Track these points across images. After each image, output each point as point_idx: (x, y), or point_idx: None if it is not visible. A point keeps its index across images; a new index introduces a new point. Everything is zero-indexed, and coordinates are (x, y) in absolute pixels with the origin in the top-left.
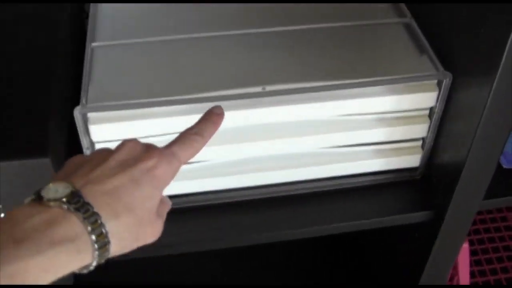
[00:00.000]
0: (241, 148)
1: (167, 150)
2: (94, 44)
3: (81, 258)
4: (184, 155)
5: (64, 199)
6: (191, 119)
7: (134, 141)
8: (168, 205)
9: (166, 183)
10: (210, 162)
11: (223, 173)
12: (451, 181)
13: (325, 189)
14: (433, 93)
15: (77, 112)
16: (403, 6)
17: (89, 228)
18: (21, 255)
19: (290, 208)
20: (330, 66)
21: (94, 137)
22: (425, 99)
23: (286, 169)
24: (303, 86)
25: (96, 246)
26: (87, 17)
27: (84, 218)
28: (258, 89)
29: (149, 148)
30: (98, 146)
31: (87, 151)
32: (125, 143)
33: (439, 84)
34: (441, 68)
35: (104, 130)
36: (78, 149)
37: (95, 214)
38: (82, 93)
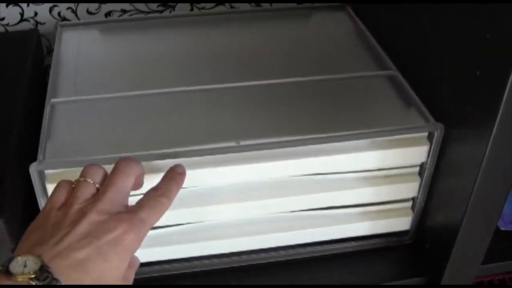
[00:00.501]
0: (208, 211)
1: (135, 218)
2: (54, 100)
3: None
4: (152, 220)
5: (33, 276)
6: (155, 178)
7: (113, 190)
8: (136, 266)
9: (134, 251)
10: (173, 228)
11: (184, 240)
12: (445, 245)
13: (304, 256)
14: (423, 147)
15: (33, 169)
16: (386, 58)
17: None
18: None
19: (265, 278)
20: (310, 120)
21: None
22: (415, 154)
23: (260, 234)
24: (280, 140)
25: None
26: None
27: None
28: (231, 143)
29: (118, 214)
30: None
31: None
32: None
33: (430, 137)
34: (431, 120)
35: None
36: (36, 210)
37: None
38: (40, 150)
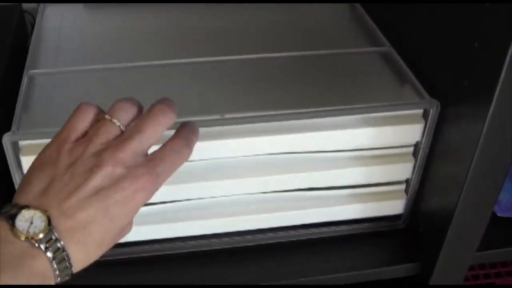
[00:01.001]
0: (200, 189)
1: (153, 174)
2: (32, 71)
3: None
4: (169, 174)
5: (38, 237)
6: None
7: (139, 138)
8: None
9: (139, 209)
10: (165, 205)
11: (177, 219)
12: (439, 230)
13: (292, 239)
14: (418, 125)
15: (6, 139)
16: (380, 35)
17: (55, 266)
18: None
19: (251, 261)
20: (300, 95)
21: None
22: (409, 132)
23: (248, 215)
24: (267, 113)
25: (58, 278)
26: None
27: (53, 259)
28: (216, 116)
29: (136, 167)
30: None
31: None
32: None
33: (425, 114)
34: (427, 96)
35: None
36: (10, 186)
37: (65, 254)
38: (14, 120)
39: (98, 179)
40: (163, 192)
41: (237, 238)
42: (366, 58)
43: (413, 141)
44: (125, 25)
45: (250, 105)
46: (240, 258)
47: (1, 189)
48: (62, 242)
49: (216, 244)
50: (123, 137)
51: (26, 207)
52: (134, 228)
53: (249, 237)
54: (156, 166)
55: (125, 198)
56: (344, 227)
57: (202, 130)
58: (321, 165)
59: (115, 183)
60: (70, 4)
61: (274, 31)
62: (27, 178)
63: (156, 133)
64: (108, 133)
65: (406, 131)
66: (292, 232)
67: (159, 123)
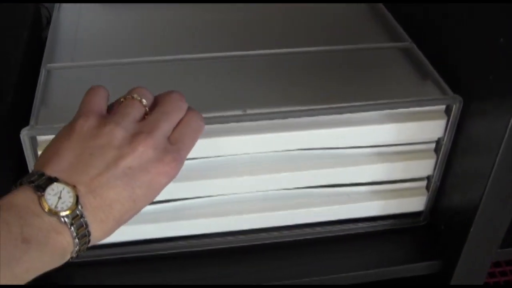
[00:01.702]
0: (217, 185)
1: (178, 158)
2: (50, 65)
3: (61, 261)
4: (188, 153)
5: (66, 212)
6: None
7: (168, 120)
8: None
9: (160, 192)
10: (179, 203)
11: (194, 216)
12: (462, 228)
13: (314, 236)
14: (440, 122)
15: (24, 134)
16: (401, 31)
17: (76, 241)
18: (27, 258)
19: (275, 258)
20: (322, 90)
21: None
22: (431, 128)
23: (269, 211)
24: (290, 109)
25: (74, 254)
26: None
27: (76, 235)
28: (238, 111)
29: (163, 151)
30: None
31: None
32: (160, 118)
33: (447, 110)
34: (449, 92)
35: None
36: None
37: (87, 230)
38: (32, 115)
39: (129, 160)
40: (170, 190)
41: (254, 235)
42: (387, 53)
43: (435, 137)
44: (142, 19)
45: (271, 101)
46: (255, 256)
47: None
48: (86, 219)
49: (233, 242)
50: (153, 120)
51: (55, 179)
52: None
53: (266, 234)
54: (180, 149)
55: (150, 180)
56: (364, 224)
57: (220, 126)
58: (342, 162)
59: (143, 165)
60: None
61: (293, 27)
62: (54, 147)
63: (178, 118)
64: (137, 111)
65: (428, 127)
66: (310, 230)
67: (180, 108)
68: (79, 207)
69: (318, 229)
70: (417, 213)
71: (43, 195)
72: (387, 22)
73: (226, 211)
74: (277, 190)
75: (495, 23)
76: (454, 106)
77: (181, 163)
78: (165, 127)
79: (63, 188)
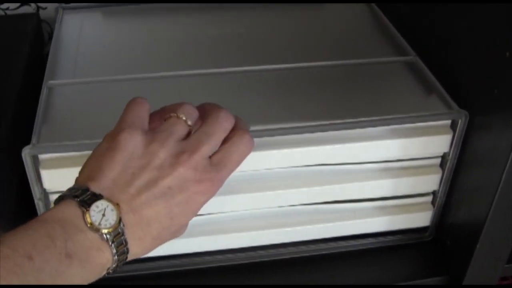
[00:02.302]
0: (222, 202)
1: (218, 178)
2: (51, 82)
3: (98, 277)
4: (230, 174)
5: (109, 230)
6: None
7: (210, 143)
8: None
9: (198, 211)
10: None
11: (201, 233)
12: (468, 243)
13: (318, 253)
14: (446, 137)
15: (26, 153)
16: (405, 44)
17: (115, 258)
18: (69, 273)
19: (280, 274)
20: (326, 105)
21: (46, 185)
22: (436, 143)
23: (273, 228)
24: (295, 125)
25: (110, 270)
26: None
27: (116, 252)
28: None
29: (203, 171)
30: (52, 197)
31: (39, 203)
32: (202, 141)
33: (453, 125)
34: (455, 106)
35: (58, 176)
36: (30, 198)
37: (125, 248)
38: (34, 133)
39: (169, 180)
40: None
41: (261, 252)
42: (392, 67)
43: (441, 152)
44: (145, 33)
45: (274, 117)
46: (264, 272)
47: (19, 201)
48: (125, 237)
49: (238, 259)
50: (195, 139)
51: (100, 196)
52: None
53: (272, 251)
54: (220, 170)
55: (188, 199)
56: (370, 240)
57: None
58: (347, 177)
59: (182, 184)
60: (88, 9)
61: (297, 40)
62: (97, 161)
63: (221, 138)
64: (181, 131)
65: (434, 143)
66: (315, 246)
67: (224, 128)
68: (121, 225)
69: (323, 245)
70: (423, 228)
71: (88, 211)
72: (391, 35)
73: (228, 229)
74: (280, 207)
75: (501, 36)
76: (460, 121)
77: (220, 183)
78: (207, 149)
79: (107, 206)
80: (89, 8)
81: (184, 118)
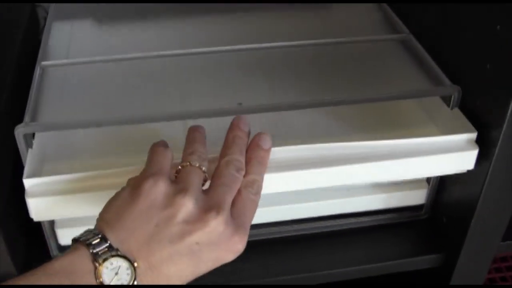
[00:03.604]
0: None
1: (243, 236)
2: (44, 62)
3: None
4: None
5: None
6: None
7: (230, 194)
8: None
9: None
10: None
11: None
12: (463, 220)
13: (313, 231)
14: None
15: (18, 132)
16: (399, 22)
17: None
18: None
19: (274, 253)
20: (319, 84)
21: (33, 214)
22: None
23: (268, 206)
24: (287, 103)
25: None
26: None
27: None
28: (232, 105)
29: (235, 228)
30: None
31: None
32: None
33: (446, 101)
34: (448, 82)
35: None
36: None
37: None
38: (26, 112)
39: (197, 236)
40: None
41: (261, 230)
42: (385, 45)
43: None
44: (141, 15)
45: (269, 95)
46: (261, 251)
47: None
48: None
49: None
50: (218, 193)
51: (116, 250)
52: None
53: (274, 229)
54: (244, 223)
55: (217, 257)
56: (365, 219)
57: None
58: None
59: (213, 241)
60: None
61: (290, 19)
62: (118, 207)
63: (237, 189)
64: (198, 179)
65: None
66: (310, 225)
67: (238, 180)
68: (135, 282)
69: (317, 224)
70: (419, 206)
71: (100, 266)
72: (386, 13)
73: None
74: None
75: (492, 9)
76: (453, 96)
77: (246, 237)
78: (229, 202)
79: (121, 264)
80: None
81: (198, 165)
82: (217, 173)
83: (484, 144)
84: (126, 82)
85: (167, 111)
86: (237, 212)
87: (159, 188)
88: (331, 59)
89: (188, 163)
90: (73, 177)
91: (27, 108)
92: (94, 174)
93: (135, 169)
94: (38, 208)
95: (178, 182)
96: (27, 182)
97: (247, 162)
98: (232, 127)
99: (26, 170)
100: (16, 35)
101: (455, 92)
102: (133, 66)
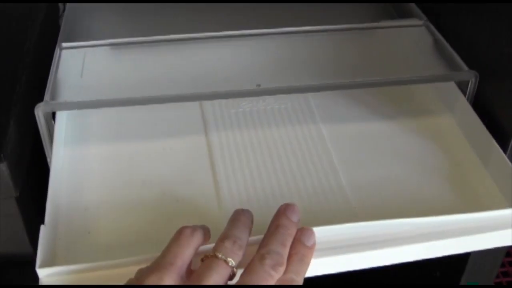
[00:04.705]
0: None
1: None
2: (65, 44)
3: None
4: None
5: None
6: None
7: None
8: None
9: None
10: None
11: None
12: None
13: None
14: None
15: (39, 110)
16: (416, 9)
17: None
18: None
19: None
20: (338, 68)
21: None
22: None
23: None
24: (305, 84)
25: None
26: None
27: None
28: (252, 86)
29: None
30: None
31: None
32: None
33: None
34: (465, 67)
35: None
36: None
37: None
38: (47, 91)
39: None
40: None
41: None
42: (402, 31)
43: None
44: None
45: (287, 79)
46: None
47: (34, 164)
48: None
49: None
50: None
51: None
52: None
53: None
54: None
55: None
56: None
57: None
58: None
59: None
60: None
61: (306, 6)
62: None
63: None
64: (220, 277)
65: None
66: None
67: (272, 277)
68: None
69: None
70: None
71: None
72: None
73: None
74: None
75: None
76: (470, 82)
77: None
78: None
79: None
80: None
81: (224, 258)
82: (248, 268)
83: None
84: (146, 63)
85: (184, 92)
86: None
87: (166, 280)
88: (350, 44)
89: (213, 254)
90: (88, 267)
91: (47, 88)
92: (111, 263)
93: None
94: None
95: (192, 280)
96: (41, 272)
97: (287, 259)
98: (278, 213)
99: (39, 258)
100: (37, 16)
101: (472, 77)
102: (153, 49)
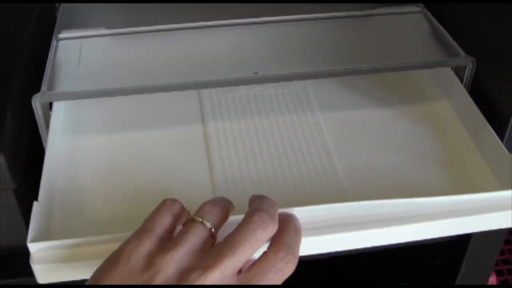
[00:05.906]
0: None
1: None
2: (61, 34)
3: None
4: None
5: None
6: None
7: (235, 254)
8: None
9: None
10: None
11: None
12: None
13: None
14: None
15: (36, 101)
16: None
17: None
18: None
19: None
20: (336, 55)
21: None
22: None
23: None
24: (302, 71)
25: None
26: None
27: None
28: (248, 74)
29: None
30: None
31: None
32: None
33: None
34: (462, 53)
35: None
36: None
37: None
38: (43, 82)
39: None
40: None
41: None
42: (399, 17)
43: None
44: None
45: (285, 66)
46: None
47: (33, 157)
48: None
49: None
50: (215, 252)
51: None
52: None
53: None
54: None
55: None
56: None
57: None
58: None
59: None
60: None
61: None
62: (100, 272)
63: (253, 250)
64: (197, 237)
65: None
66: None
67: (257, 239)
68: None
69: None
70: None
71: None
72: None
73: None
74: None
75: None
76: (467, 68)
77: None
78: (229, 265)
79: None
80: None
81: (200, 220)
82: (235, 229)
83: (499, 117)
84: (147, 53)
85: (182, 81)
86: (249, 276)
87: (142, 249)
88: (346, 31)
89: (191, 218)
90: (81, 242)
91: (43, 78)
92: (103, 238)
93: None
94: (44, 273)
95: (171, 243)
96: (32, 247)
97: (279, 228)
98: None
99: (30, 233)
100: (33, 8)
101: (469, 63)
102: (149, 38)
